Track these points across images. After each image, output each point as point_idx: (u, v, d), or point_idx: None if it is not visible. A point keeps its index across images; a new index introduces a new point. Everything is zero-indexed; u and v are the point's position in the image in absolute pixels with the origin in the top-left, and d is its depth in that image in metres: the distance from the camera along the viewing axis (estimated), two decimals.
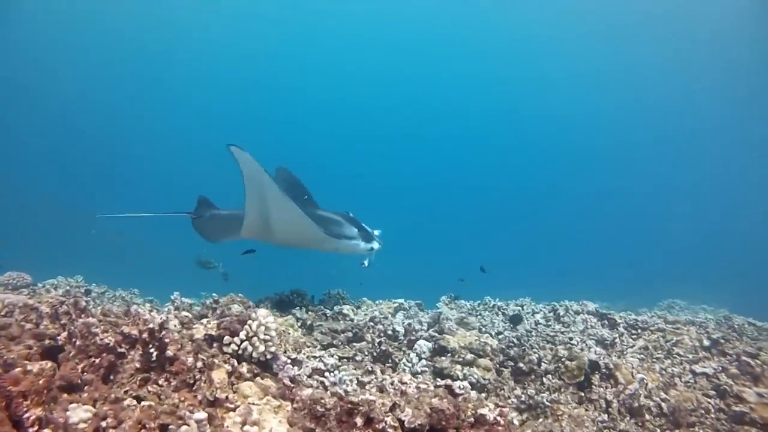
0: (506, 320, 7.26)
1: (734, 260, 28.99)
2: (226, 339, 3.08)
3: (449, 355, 5.02)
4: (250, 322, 3.11)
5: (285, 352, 3.59)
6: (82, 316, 3.62)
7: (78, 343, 2.97)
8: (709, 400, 5.27)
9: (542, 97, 44.34)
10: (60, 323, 3.57)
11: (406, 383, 3.13)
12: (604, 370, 5.21)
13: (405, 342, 5.48)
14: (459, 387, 3.08)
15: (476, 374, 4.53)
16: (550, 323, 6.99)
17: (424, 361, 4.63)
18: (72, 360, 2.89)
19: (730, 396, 5.28)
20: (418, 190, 42.00)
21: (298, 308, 6.57)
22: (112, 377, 2.92)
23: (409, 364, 4.55)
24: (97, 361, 2.91)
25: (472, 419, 2.65)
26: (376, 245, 6.38)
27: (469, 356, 4.83)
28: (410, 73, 46.27)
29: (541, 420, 4.22)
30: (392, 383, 3.21)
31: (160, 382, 2.86)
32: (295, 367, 3.24)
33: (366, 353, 5.19)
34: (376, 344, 5.05)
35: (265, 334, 3.08)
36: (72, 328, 3.18)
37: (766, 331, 7.51)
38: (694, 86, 37.58)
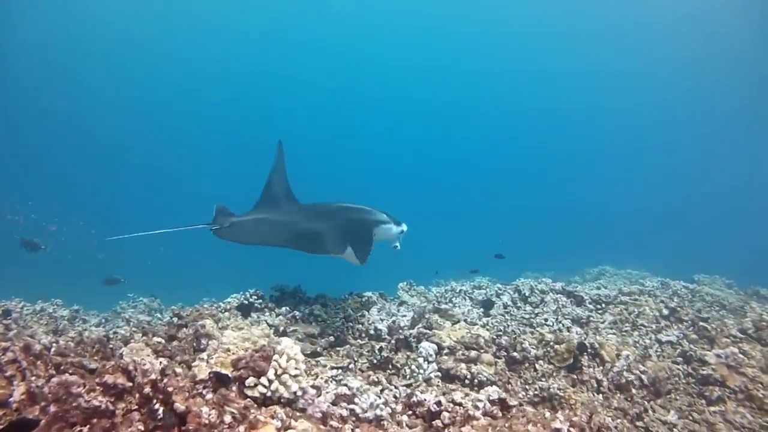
0: (474, 305, 7.23)
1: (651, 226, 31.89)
2: (251, 381, 2.54)
3: (448, 352, 4.80)
4: (276, 357, 2.58)
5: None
6: (38, 363, 2.85)
7: (53, 409, 2.27)
8: (678, 366, 5.61)
9: (531, 93, 45.65)
10: (5, 376, 2.77)
11: (461, 403, 2.81)
12: (590, 350, 5.31)
13: (393, 342, 5.16)
14: (511, 401, 2.85)
15: (485, 372, 4.35)
16: (519, 305, 7.05)
17: (434, 365, 4.35)
18: None
19: (695, 360, 5.65)
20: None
21: (263, 312, 6.00)
22: None
23: (421, 371, 4.24)
24: (86, 430, 2.25)
25: None
26: (405, 227, 6.36)
27: (472, 353, 4.64)
28: (407, 63, 46.02)
29: (559, 412, 4.15)
30: (438, 403, 2.86)
31: None
32: (322, 398, 2.78)
33: (355, 358, 4.82)
34: (376, 350, 4.67)
35: (295, 369, 2.59)
36: (34, 387, 2.46)
37: (698, 294, 8.25)
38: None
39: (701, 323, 6.20)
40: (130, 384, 2.51)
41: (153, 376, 2.32)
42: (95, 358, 3.07)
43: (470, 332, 5.17)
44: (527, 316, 6.50)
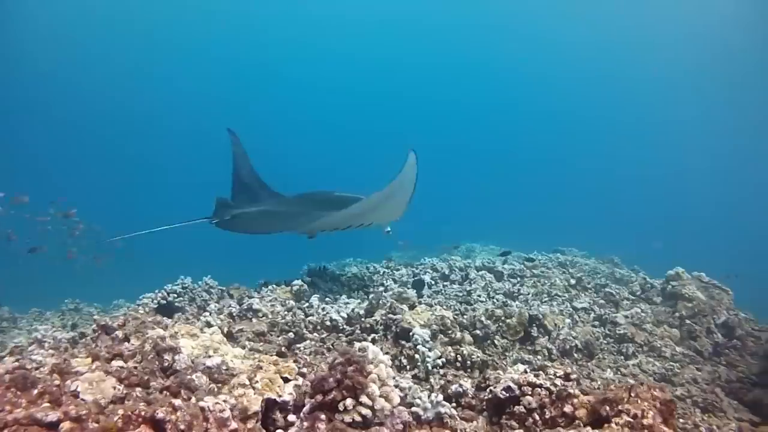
0: (402, 287, 7.06)
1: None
2: (347, 403, 1.88)
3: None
4: (371, 368, 1.98)
5: None
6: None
7: None
8: (597, 330, 6.22)
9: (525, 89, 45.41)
10: None
11: (540, 384, 2.55)
12: (536, 322, 5.54)
13: (353, 332, 4.72)
14: (573, 374, 2.71)
15: (477, 352, 4.19)
16: (445, 284, 7.10)
17: (437, 351, 4.01)
18: None
19: (609, 323, 6.32)
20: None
21: (183, 311, 4.99)
22: None
23: (428, 358, 3.86)
24: None
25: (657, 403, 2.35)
26: None
27: (457, 335, 4.45)
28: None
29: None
30: (508, 389, 2.56)
31: None
32: (403, 407, 2.26)
33: (326, 354, 4.25)
34: (368, 342, 4.16)
35: (392, 378, 2.04)
36: None
37: (578, 264, 9.32)
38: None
39: (606, 289, 6.99)
40: None
41: (233, 426, 1.58)
42: (44, 404, 2.07)
43: (434, 314, 4.97)
44: (461, 293, 6.56)
